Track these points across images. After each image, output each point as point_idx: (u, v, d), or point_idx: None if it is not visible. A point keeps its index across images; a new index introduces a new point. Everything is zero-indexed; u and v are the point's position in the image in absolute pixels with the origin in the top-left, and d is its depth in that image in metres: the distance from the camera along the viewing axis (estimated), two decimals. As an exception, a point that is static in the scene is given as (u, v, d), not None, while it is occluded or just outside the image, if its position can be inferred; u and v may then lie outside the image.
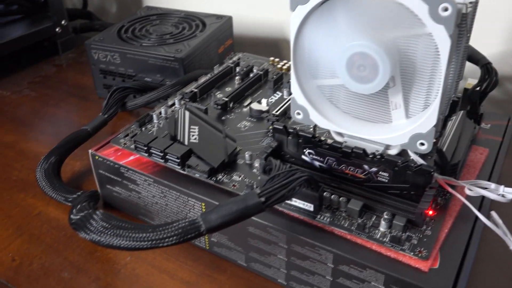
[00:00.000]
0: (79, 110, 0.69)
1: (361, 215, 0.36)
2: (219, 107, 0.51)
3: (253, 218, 0.36)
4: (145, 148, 0.43)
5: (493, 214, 0.34)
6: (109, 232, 0.33)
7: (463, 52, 0.37)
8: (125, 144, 0.46)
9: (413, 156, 0.37)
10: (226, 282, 0.40)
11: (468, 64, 0.47)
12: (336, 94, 0.39)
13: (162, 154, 0.42)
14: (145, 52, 0.63)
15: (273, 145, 0.40)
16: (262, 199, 0.32)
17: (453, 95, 0.44)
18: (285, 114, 0.49)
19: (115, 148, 0.46)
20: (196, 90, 0.53)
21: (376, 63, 0.33)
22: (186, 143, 0.42)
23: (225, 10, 0.81)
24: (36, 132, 0.64)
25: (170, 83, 0.58)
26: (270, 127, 0.47)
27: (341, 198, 0.37)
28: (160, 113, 0.50)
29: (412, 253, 0.33)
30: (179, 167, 0.42)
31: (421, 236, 0.35)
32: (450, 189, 0.36)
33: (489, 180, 0.40)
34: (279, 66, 0.60)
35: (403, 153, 0.38)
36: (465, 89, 0.48)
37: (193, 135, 0.43)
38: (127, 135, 0.47)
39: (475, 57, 0.51)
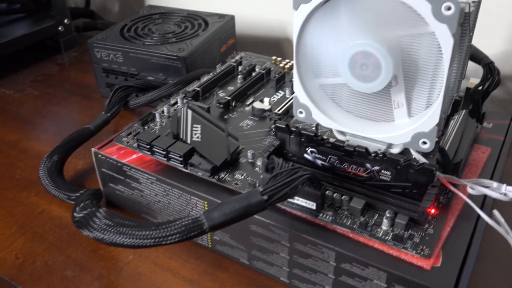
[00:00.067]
0: (81, 109, 0.69)
1: (363, 213, 0.36)
2: (222, 106, 0.51)
3: (255, 216, 0.37)
4: (148, 146, 0.43)
5: (495, 212, 0.34)
6: (112, 230, 0.33)
7: (466, 51, 0.37)
8: (127, 142, 0.46)
9: (415, 154, 0.37)
10: (229, 280, 0.41)
11: (470, 64, 0.47)
12: (339, 93, 0.39)
13: (164, 153, 0.42)
14: (148, 51, 0.63)
15: (275, 143, 0.40)
16: (265, 197, 0.32)
17: (456, 94, 0.44)
18: (288, 113, 0.49)
19: (117, 146, 0.46)
20: (198, 89, 0.53)
21: (378, 62, 0.34)
22: (188, 141, 0.43)
23: (228, 9, 0.81)
24: (38, 131, 0.64)
25: (172, 82, 0.58)
26: (273, 126, 0.47)
27: (343, 197, 0.37)
28: (163, 111, 0.50)
29: (414, 251, 0.33)
30: (181, 165, 0.42)
31: (423, 234, 0.35)
32: (452, 188, 0.36)
33: (491, 179, 0.40)
34: (281, 65, 0.60)
35: (405, 151, 0.38)
36: (468, 89, 0.48)
37: (195, 134, 0.43)
38: (129, 134, 0.47)
39: (477, 57, 0.51)
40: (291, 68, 0.59)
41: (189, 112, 0.44)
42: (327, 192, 0.37)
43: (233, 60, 0.60)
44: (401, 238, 0.34)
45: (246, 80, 0.55)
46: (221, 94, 0.54)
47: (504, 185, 0.35)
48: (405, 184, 0.36)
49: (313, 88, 0.39)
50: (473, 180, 0.36)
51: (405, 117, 0.36)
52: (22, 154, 0.59)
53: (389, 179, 0.37)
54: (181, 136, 0.43)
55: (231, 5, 0.83)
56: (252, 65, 0.59)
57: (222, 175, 0.41)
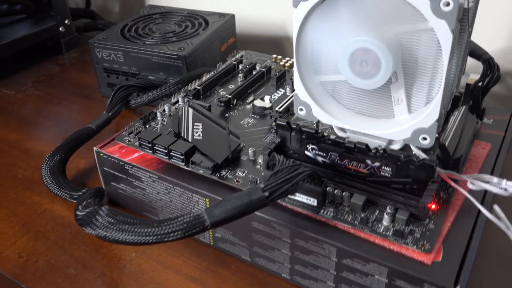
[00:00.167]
0: (82, 109, 0.69)
1: (364, 209, 0.36)
2: (222, 104, 0.51)
3: (257, 213, 0.37)
4: (150, 145, 0.44)
5: (496, 207, 0.34)
6: (115, 227, 0.34)
7: (465, 47, 0.38)
8: (129, 141, 0.46)
9: (415, 150, 0.37)
10: (231, 277, 0.41)
11: (470, 60, 0.47)
12: (339, 90, 0.39)
13: (166, 151, 0.43)
14: (149, 51, 0.63)
15: (276, 141, 0.41)
16: (266, 193, 0.32)
17: (455, 90, 0.44)
18: (288, 110, 0.50)
19: (119, 145, 0.46)
20: (199, 88, 0.53)
21: (378, 58, 0.34)
22: (190, 140, 0.43)
23: (228, 8, 0.81)
24: (40, 131, 0.64)
25: (173, 81, 0.58)
26: (273, 124, 0.47)
27: (344, 193, 0.37)
28: (164, 110, 0.50)
29: (415, 247, 0.33)
30: (183, 163, 0.42)
31: (424, 229, 0.35)
32: (452, 183, 0.36)
33: (491, 174, 0.41)
34: (281, 63, 0.60)
35: (405, 148, 0.39)
36: (467, 85, 0.48)
37: (196, 132, 0.43)
38: (131, 133, 0.47)
39: (477, 53, 0.51)
40: (291, 66, 0.60)
41: (190, 110, 0.44)
42: (328, 188, 0.37)
43: (233, 59, 0.61)
44: (402, 233, 0.34)
45: (247, 79, 0.56)
46: (222, 92, 0.55)
47: (505, 180, 0.35)
48: (406, 180, 0.36)
49: (313, 85, 0.39)
50: (474, 175, 0.36)
51: (405, 113, 0.36)
52: (24, 154, 0.59)
53: (389, 175, 0.37)
54: (182, 135, 0.43)
55: (231, 4, 0.83)
56: (252, 63, 0.59)
57: (224, 173, 0.41)
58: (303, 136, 0.39)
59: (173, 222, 0.32)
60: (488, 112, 0.48)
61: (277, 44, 0.83)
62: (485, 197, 0.38)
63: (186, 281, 0.41)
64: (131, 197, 0.47)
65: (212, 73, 0.57)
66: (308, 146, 0.39)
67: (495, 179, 0.35)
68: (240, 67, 0.59)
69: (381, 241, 0.34)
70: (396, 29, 0.33)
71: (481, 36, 0.52)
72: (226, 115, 0.50)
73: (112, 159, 0.45)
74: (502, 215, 0.34)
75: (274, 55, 0.62)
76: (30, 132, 0.64)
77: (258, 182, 0.40)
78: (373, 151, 0.36)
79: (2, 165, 0.57)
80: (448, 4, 0.30)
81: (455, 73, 0.38)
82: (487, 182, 0.35)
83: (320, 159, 0.39)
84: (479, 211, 0.36)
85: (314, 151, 0.39)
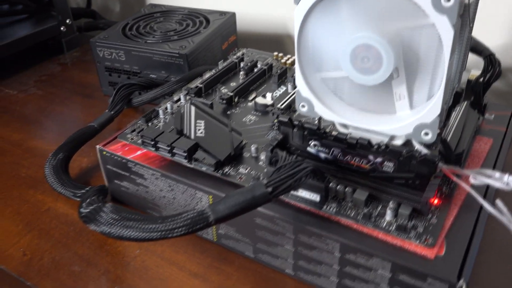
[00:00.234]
0: (84, 108, 0.69)
1: (367, 204, 0.37)
2: (224, 101, 0.51)
3: (260, 209, 0.37)
4: (152, 142, 0.44)
5: (498, 202, 0.34)
6: (119, 224, 0.34)
7: (466, 43, 0.38)
8: (132, 139, 0.46)
9: (417, 146, 0.38)
10: (234, 274, 0.41)
11: (471, 56, 0.47)
12: (340, 86, 0.39)
13: (169, 148, 0.43)
14: (150, 49, 0.63)
15: (278, 137, 0.41)
16: (269, 189, 0.32)
17: (457, 86, 0.44)
18: (290, 107, 0.50)
19: (122, 143, 0.46)
20: (201, 86, 0.53)
21: (379, 54, 0.34)
22: (192, 137, 0.43)
23: (229, 6, 0.81)
24: (42, 130, 0.64)
25: (175, 79, 0.58)
26: (275, 121, 0.48)
27: (346, 189, 0.37)
28: (166, 108, 0.50)
29: (418, 241, 0.34)
30: (186, 160, 0.42)
31: (426, 224, 0.35)
32: (455, 178, 0.37)
33: (493, 169, 0.41)
34: (283, 60, 0.60)
35: (407, 143, 0.39)
36: (469, 81, 0.48)
37: (199, 129, 0.43)
38: (134, 131, 0.47)
39: (478, 48, 0.51)
40: (292, 63, 0.60)
41: (192, 108, 0.44)
42: (330, 184, 0.38)
43: (235, 57, 0.61)
44: (405, 228, 0.34)
45: (248, 76, 0.56)
46: (224, 90, 0.55)
47: (507, 175, 0.35)
48: (408, 175, 0.36)
49: (315, 82, 0.39)
50: (476, 170, 0.36)
51: (407, 108, 0.36)
52: (26, 153, 0.59)
53: (392, 171, 0.37)
54: (184, 132, 0.43)
55: (232, 3, 0.83)
56: (254, 61, 0.59)
57: (226, 170, 0.41)
58: (305, 133, 0.40)
59: (177, 218, 0.33)
60: (489, 108, 0.48)
61: (278, 42, 0.83)
62: (487, 192, 0.38)
63: (189, 277, 0.41)
64: (134, 195, 0.47)
65: (213, 71, 0.57)
66: (310, 142, 0.40)
67: (497, 174, 0.35)
68: (242, 65, 0.59)
69: (384, 236, 0.35)
70: (397, 24, 0.33)
71: (482, 32, 0.53)
72: (228, 112, 0.51)
73: (115, 157, 0.45)
74: (504, 209, 0.34)
75: (275, 53, 0.62)
76: (33, 131, 0.64)
77: (261, 178, 0.40)
78: (375, 146, 0.37)
79: (5, 164, 0.57)
80: (449, 0, 0.30)
81: (457, 68, 0.38)
82: (489, 177, 0.35)
83: (322, 155, 0.40)
84: (481, 206, 0.36)
85: (316, 147, 0.40)
